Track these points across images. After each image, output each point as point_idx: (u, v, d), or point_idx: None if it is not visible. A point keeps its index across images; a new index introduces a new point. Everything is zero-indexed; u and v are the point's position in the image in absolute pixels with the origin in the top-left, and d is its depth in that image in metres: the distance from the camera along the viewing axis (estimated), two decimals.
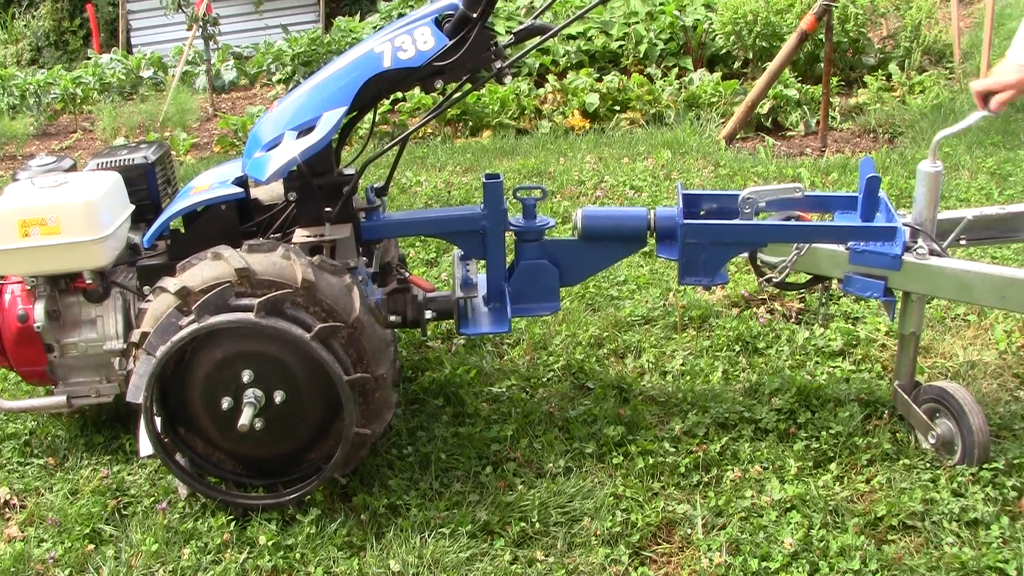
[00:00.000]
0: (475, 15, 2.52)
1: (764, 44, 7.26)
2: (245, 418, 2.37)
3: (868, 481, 2.56)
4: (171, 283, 2.42)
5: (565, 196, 5.00)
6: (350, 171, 2.84)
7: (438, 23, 2.57)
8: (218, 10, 8.49)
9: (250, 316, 2.31)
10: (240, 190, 2.74)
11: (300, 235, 2.67)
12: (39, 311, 2.75)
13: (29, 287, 2.78)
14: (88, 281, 2.75)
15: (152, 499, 2.65)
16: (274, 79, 8.86)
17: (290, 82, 8.44)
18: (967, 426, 2.51)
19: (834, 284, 2.85)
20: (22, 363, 2.84)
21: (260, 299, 2.32)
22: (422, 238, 4.35)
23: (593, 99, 6.66)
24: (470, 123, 6.67)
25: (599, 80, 6.99)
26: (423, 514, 2.50)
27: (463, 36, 2.55)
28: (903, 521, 2.39)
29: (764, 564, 2.27)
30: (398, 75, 2.62)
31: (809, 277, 2.87)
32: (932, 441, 2.62)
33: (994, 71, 2.46)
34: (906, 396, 2.68)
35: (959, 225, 2.70)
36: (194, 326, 2.34)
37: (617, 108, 6.73)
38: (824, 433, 2.73)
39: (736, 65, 7.61)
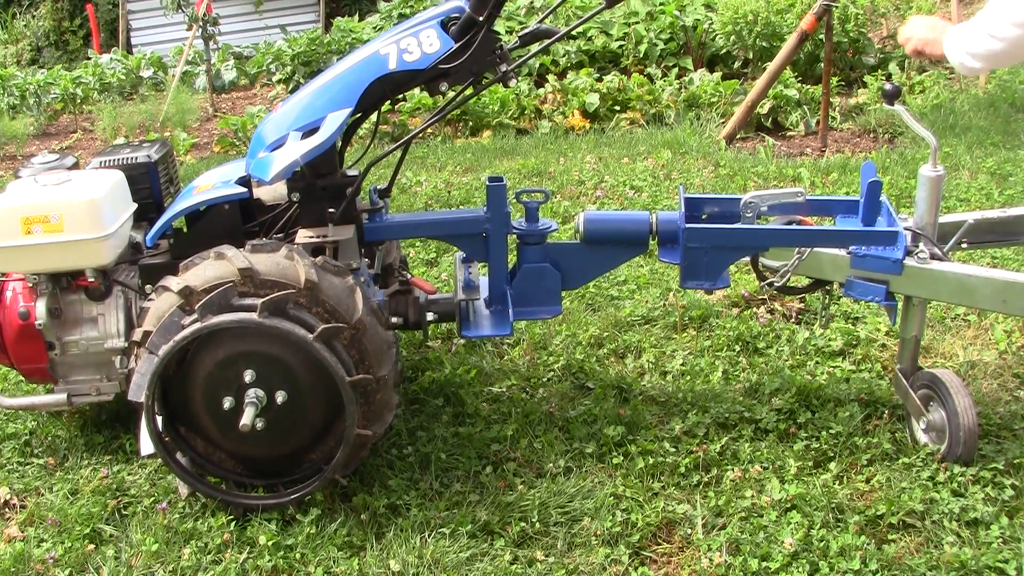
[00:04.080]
0: (481, 18, 2.52)
1: (764, 44, 7.27)
2: (247, 418, 2.37)
3: (868, 481, 2.56)
4: (174, 282, 2.42)
5: (565, 196, 5.01)
6: (353, 172, 2.85)
7: (444, 25, 2.58)
8: (218, 10, 8.49)
9: (253, 316, 2.32)
10: (243, 190, 2.74)
11: (303, 236, 2.68)
12: (40, 308, 2.75)
13: (31, 284, 2.79)
14: (90, 279, 2.75)
15: (152, 499, 2.65)
16: (274, 79, 8.86)
17: (290, 82, 8.44)
18: (952, 409, 2.53)
19: (835, 286, 2.86)
20: (23, 360, 2.84)
21: (263, 299, 2.32)
22: (422, 238, 4.35)
23: (593, 99, 6.67)
24: (470, 123, 6.67)
25: (599, 80, 6.99)
26: (423, 514, 2.51)
27: (469, 39, 2.55)
28: (903, 520, 2.40)
29: (764, 564, 2.27)
30: (403, 77, 2.63)
31: (810, 281, 2.88)
32: (923, 427, 2.64)
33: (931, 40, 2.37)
34: (904, 381, 2.69)
35: (960, 229, 2.71)
36: (197, 325, 2.34)
37: (617, 108, 6.73)
38: (824, 433, 2.74)
39: (736, 65, 7.62)
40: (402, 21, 2.92)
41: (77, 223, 2.64)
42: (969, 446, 2.52)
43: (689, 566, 2.33)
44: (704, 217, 2.83)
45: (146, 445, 2.54)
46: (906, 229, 2.57)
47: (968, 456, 2.53)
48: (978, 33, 2.19)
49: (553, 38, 2.70)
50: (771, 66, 5.91)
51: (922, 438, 2.66)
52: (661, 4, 8.01)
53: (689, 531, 2.43)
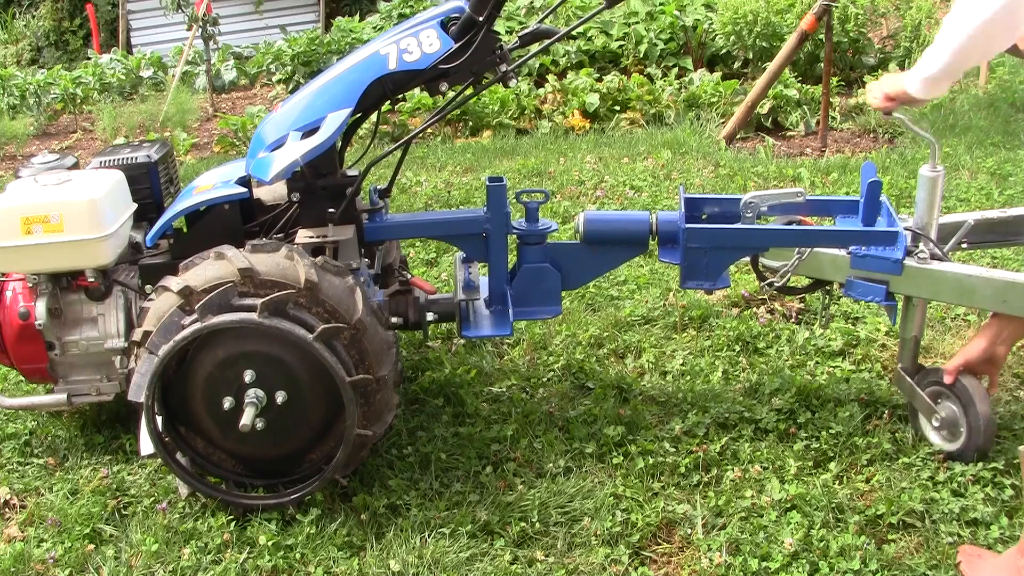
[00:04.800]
0: (481, 18, 2.52)
1: (764, 44, 7.27)
2: (247, 418, 2.37)
3: (868, 481, 2.56)
4: (174, 282, 2.42)
5: (565, 196, 5.01)
6: (353, 172, 2.85)
7: (444, 26, 2.58)
8: (218, 10, 8.49)
9: (253, 316, 2.32)
10: (243, 190, 2.74)
11: (303, 236, 2.68)
12: (40, 309, 2.75)
13: (31, 284, 2.79)
14: (90, 279, 2.75)
15: (152, 499, 2.65)
16: (274, 79, 8.86)
17: (290, 82, 8.44)
18: (968, 398, 2.54)
19: (835, 286, 2.86)
20: (23, 360, 2.84)
21: (263, 299, 2.32)
22: (422, 238, 4.35)
23: (593, 99, 6.67)
24: (470, 123, 6.68)
25: (599, 80, 6.99)
26: (423, 514, 2.51)
27: (469, 39, 2.55)
28: (903, 520, 2.40)
29: (764, 564, 2.27)
30: (403, 77, 2.63)
31: (810, 281, 2.88)
32: (936, 424, 2.63)
33: (892, 79, 2.46)
34: (910, 379, 2.68)
35: (960, 229, 2.71)
36: (197, 325, 2.34)
37: (617, 108, 6.73)
38: (824, 433, 2.74)
39: (736, 65, 7.62)
40: (402, 21, 2.92)
41: (77, 223, 2.64)
42: (988, 434, 2.53)
43: (689, 566, 2.33)
44: (704, 217, 2.83)
45: (146, 445, 2.54)
46: (906, 229, 2.57)
47: (988, 445, 2.54)
48: (939, 42, 2.24)
49: (553, 38, 2.70)
50: (771, 66, 5.91)
51: (933, 437, 2.66)
52: (661, 4, 8.01)
53: (689, 531, 2.43)
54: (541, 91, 7.07)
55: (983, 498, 2.44)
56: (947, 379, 2.59)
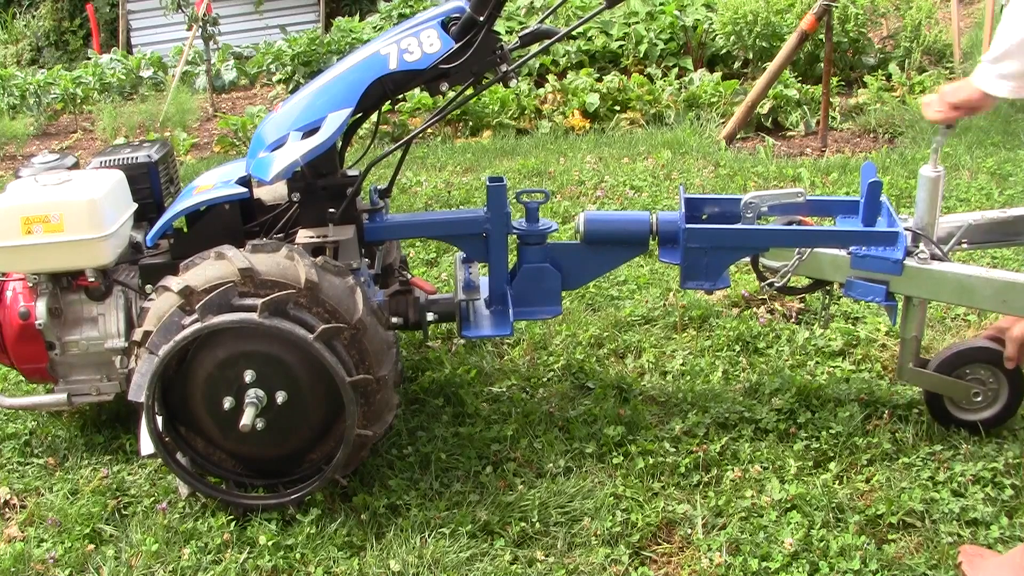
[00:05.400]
0: (482, 18, 2.52)
1: (764, 44, 7.27)
2: (247, 418, 2.37)
3: (868, 481, 2.56)
4: (174, 282, 2.42)
5: (565, 196, 5.01)
6: (353, 172, 2.85)
7: (444, 26, 2.58)
8: (218, 10, 8.49)
9: (253, 316, 2.32)
10: (243, 190, 2.74)
11: (303, 236, 2.68)
12: (41, 308, 2.75)
13: (31, 284, 2.79)
14: (90, 279, 2.75)
15: (152, 499, 2.65)
16: (274, 79, 8.87)
17: (290, 82, 8.44)
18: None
19: (835, 286, 2.86)
20: (23, 360, 2.84)
21: (263, 299, 2.32)
22: (422, 238, 4.35)
23: (593, 99, 6.67)
24: (470, 123, 6.68)
25: (599, 80, 6.99)
26: (423, 514, 2.51)
27: (469, 39, 2.55)
28: (903, 520, 2.40)
29: (764, 564, 2.27)
30: (403, 77, 2.63)
31: (810, 281, 2.88)
32: (977, 398, 2.68)
33: (956, 86, 2.43)
34: (929, 371, 2.68)
35: (960, 229, 2.71)
36: (197, 325, 2.34)
37: (617, 108, 6.74)
38: (824, 433, 2.74)
39: (736, 65, 7.62)
40: (402, 21, 2.92)
41: (77, 223, 2.64)
42: None
43: (689, 566, 2.33)
44: (704, 217, 2.83)
45: (146, 445, 2.54)
46: (906, 229, 2.58)
47: None
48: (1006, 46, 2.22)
49: (553, 38, 2.71)
50: (771, 66, 5.91)
51: (961, 415, 2.70)
52: (661, 4, 8.01)
53: (689, 531, 2.43)
54: (541, 91, 7.07)
55: (983, 498, 2.44)
56: (1009, 364, 2.65)
